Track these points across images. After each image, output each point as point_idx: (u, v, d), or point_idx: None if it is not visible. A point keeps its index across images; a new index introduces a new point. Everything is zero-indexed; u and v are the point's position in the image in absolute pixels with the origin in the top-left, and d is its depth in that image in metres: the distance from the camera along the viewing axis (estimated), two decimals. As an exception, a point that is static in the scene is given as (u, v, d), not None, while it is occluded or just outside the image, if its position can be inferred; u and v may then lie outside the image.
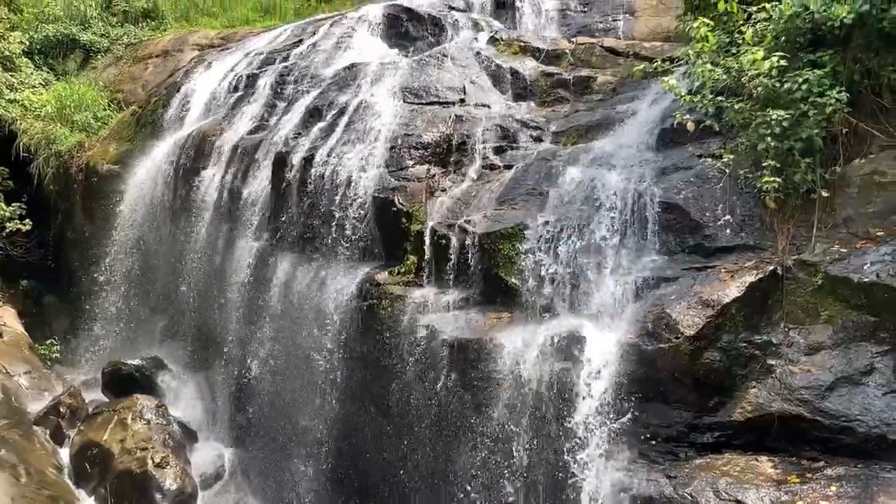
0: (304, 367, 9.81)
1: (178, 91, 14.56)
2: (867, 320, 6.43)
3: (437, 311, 8.64)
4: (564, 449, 7.11)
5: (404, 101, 10.93)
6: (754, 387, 6.64)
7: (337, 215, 10.00)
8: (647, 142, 8.75)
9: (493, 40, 12.50)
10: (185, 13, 20.31)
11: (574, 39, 12.40)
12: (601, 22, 13.39)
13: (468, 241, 8.63)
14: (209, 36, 17.54)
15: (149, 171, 13.36)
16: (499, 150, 9.91)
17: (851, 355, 6.38)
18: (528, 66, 11.60)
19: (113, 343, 13.38)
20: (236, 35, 17.05)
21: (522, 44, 12.16)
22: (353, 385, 9.29)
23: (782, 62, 7.23)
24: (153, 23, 19.48)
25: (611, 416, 6.99)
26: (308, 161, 10.53)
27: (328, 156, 10.45)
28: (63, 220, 15.59)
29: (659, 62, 9.27)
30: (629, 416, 6.96)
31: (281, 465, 10.05)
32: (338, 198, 10.04)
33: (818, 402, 6.31)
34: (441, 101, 10.91)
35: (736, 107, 7.58)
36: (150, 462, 9.85)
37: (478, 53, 11.98)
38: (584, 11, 13.75)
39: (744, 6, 8.00)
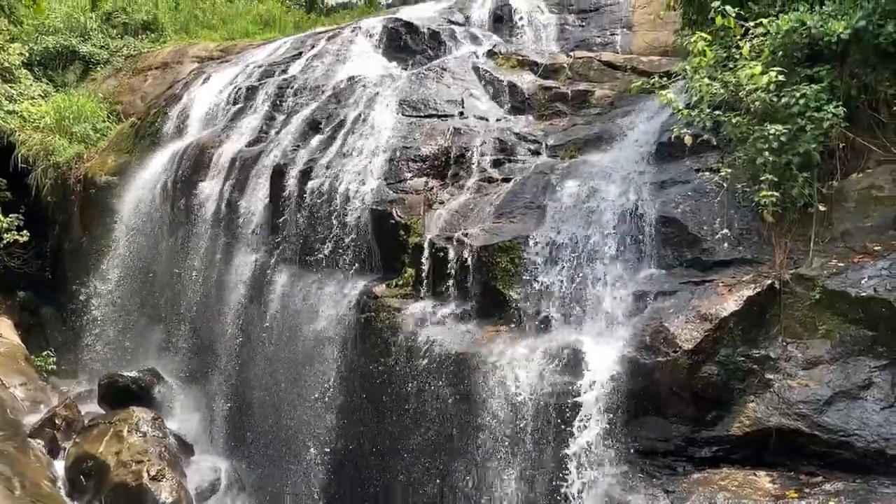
0: (302, 380, 9.77)
1: (177, 103, 14.61)
2: (865, 335, 6.43)
3: (434, 324, 8.63)
4: (560, 462, 7.08)
5: (403, 114, 10.96)
6: (752, 401, 6.62)
7: (335, 228, 10.01)
8: (645, 156, 8.77)
9: (491, 54, 12.56)
10: (185, 25, 20.41)
11: (572, 53, 12.46)
12: (599, 36, 13.45)
13: (466, 254, 8.63)
14: (209, 48, 17.61)
15: (147, 182, 13.36)
16: (497, 163, 9.92)
17: (849, 370, 6.38)
18: (527, 80, 11.65)
19: (110, 355, 13.33)
20: (236, 47, 17.12)
21: (521, 58, 12.22)
22: (351, 398, 9.25)
23: (780, 77, 7.26)
24: (153, 35, 19.55)
25: (608, 429, 6.96)
26: (306, 173, 10.54)
27: (326, 168, 10.47)
28: (61, 231, 15.56)
29: (657, 77, 9.30)
30: (627, 429, 6.94)
31: (277, 478, 10.00)
32: (336, 210, 10.05)
33: (816, 416, 6.30)
34: (439, 114, 10.95)
35: (734, 121, 7.61)
36: (145, 475, 9.79)
37: (476, 67, 12.04)
38: (583, 26, 13.81)
39: (741, 21, 8.04)
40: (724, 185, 7.62)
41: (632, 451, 6.94)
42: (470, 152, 10.08)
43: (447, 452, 8.12)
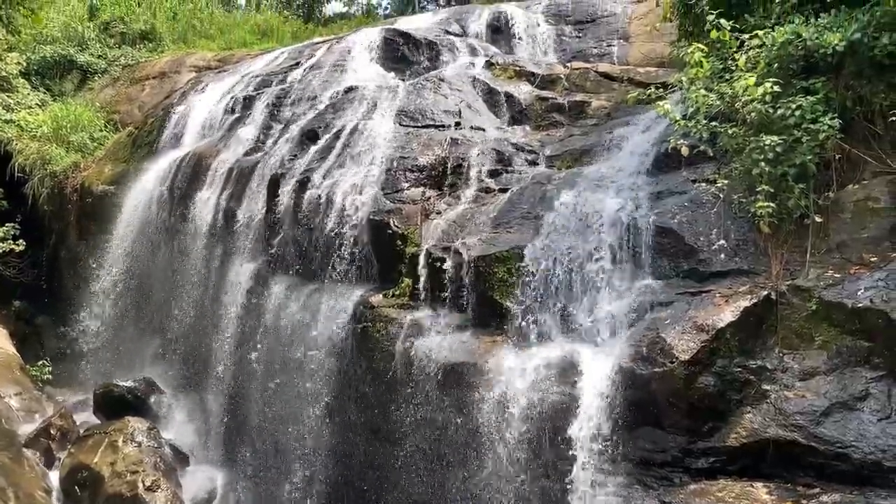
0: (297, 390, 9.74)
1: (174, 112, 14.62)
2: (861, 346, 6.42)
3: (431, 334, 8.61)
4: (558, 474, 7.06)
5: (400, 124, 10.98)
6: (749, 412, 6.61)
7: (332, 237, 10.00)
8: (642, 166, 8.78)
9: (488, 65, 12.60)
10: (183, 35, 20.48)
11: (569, 64, 12.51)
12: (596, 47, 13.52)
13: (463, 264, 8.62)
14: (206, 58, 17.65)
15: (144, 192, 13.36)
16: (494, 174, 9.93)
17: (846, 381, 6.37)
18: (524, 91, 11.69)
19: (105, 364, 13.29)
20: (233, 57, 17.17)
21: (518, 68, 12.26)
22: (346, 408, 9.22)
23: (776, 88, 7.29)
24: (151, 44, 19.62)
25: (604, 440, 6.95)
26: (303, 183, 10.55)
27: (324, 178, 10.47)
28: (57, 240, 15.54)
29: (653, 88, 9.34)
30: (623, 440, 6.93)
31: (273, 489, 9.95)
32: (333, 220, 10.04)
33: (813, 427, 6.28)
34: (437, 124, 10.97)
35: (730, 132, 7.62)
36: (140, 485, 9.73)
37: (473, 78, 12.07)
38: (579, 37, 13.89)
39: (737, 34, 8.08)
40: (721, 195, 7.64)
41: (628, 461, 6.92)
42: (467, 163, 10.09)
43: (443, 463, 8.09)
